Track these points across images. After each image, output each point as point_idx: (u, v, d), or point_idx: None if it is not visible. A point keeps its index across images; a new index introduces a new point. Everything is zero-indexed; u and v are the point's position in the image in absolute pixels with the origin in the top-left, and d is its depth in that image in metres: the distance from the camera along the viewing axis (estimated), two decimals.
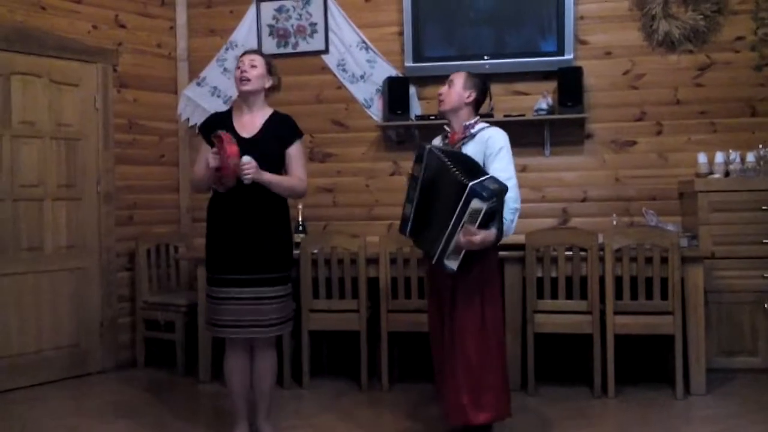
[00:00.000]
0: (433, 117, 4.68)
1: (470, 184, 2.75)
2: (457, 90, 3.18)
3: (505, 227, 2.96)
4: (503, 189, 2.85)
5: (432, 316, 3.26)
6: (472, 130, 3.18)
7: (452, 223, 2.84)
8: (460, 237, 2.85)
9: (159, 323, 4.83)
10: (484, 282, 3.08)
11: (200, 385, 4.43)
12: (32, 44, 4.46)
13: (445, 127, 3.30)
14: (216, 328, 3.18)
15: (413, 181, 3.07)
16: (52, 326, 4.56)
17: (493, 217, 2.85)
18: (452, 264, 2.91)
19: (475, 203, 2.77)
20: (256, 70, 3.20)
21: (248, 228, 3.13)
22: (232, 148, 2.98)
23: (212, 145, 3.09)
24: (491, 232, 2.87)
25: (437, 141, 3.31)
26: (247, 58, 3.24)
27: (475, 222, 2.81)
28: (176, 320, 4.71)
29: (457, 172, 2.83)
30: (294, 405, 3.97)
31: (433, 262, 2.95)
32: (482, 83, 3.25)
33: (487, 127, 3.21)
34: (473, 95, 3.20)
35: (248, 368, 3.26)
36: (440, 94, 3.22)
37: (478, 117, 3.25)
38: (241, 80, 3.19)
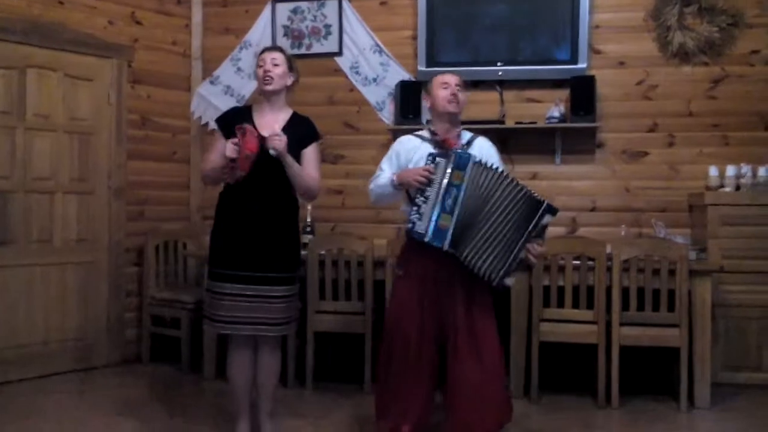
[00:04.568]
0: None
1: (545, 201, 2.86)
2: (466, 95, 3.11)
3: None
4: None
5: (412, 319, 3.00)
6: (464, 137, 3.12)
7: (523, 240, 2.85)
8: (527, 255, 2.88)
9: (165, 319, 4.86)
10: (489, 288, 3.09)
11: (204, 382, 4.45)
12: (48, 38, 4.49)
13: (429, 130, 3.14)
14: (218, 324, 3.15)
15: (451, 188, 2.85)
16: (60, 319, 4.59)
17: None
18: (510, 281, 2.90)
19: (546, 218, 2.86)
20: (278, 68, 3.18)
21: (260, 225, 3.13)
22: (252, 143, 3.02)
23: (230, 137, 3.10)
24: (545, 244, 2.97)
25: (417, 142, 3.12)
26: (268, 56, 3.19)
27: (541, 236, 2.89)
28: (182, 317, 4.72)
29: (526, 189, 2.87)
30: (297, 405, 3.98)
31: (495, 283, 2.87)
32: None
33: (475, 134, 3.16)
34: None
35: (251, 366, 3.25)
36: (455, 95, 3.01)
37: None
38: (265, 80, 3.16)
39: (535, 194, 2.87)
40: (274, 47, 3.38)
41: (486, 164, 2.89)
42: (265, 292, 3.12)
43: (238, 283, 3.11)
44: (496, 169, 2.91)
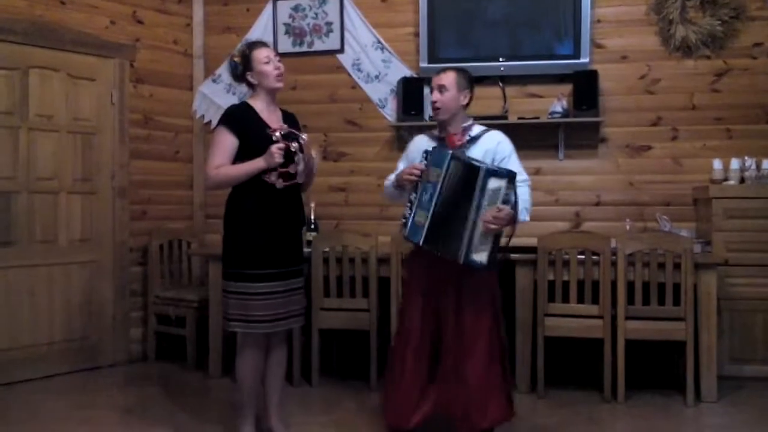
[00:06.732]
0: None
1: (483, 165, 2.80)
2: (453, 94, 3.04)
3: (520, 217, 2.92)
4: (513, 173, 2.86)
5: (414, 319, 3.06)
6: (472, 133, 3.09)
7: (472, 209, 2.78)
8: (484, 223, 2.78)
9: (170, 318, 4.86)
10: (493, 283, 3.07)
11: (210, 379, 4.45)
12: (50, 38, 4.49)
13: (436, 129, 3.18)
14: (255, 324, 3.11)
15: (427, 185, 2.91)
16: (65, 319, 4.59)
17: (509, 199, 2.83)
18: (481, 257, 2.81)
19: (493, 182, 2.79)
20: (282, 65, 3.24)
21: (286, 223, 3.19)
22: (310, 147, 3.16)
23: (241, 136, 3.11)
24: (509, 208, 2.82)
25: (424, 142, 3.15)
26: (272, 54, 3.22)
27: (496, 202, 2.80)
28: (187, 315, 4.73)
29: (471, 161, 2.84)
30: (303, 403, 3.98)
31: (461, 261, 2.81)
32: (472, 79, 3.13)
33: (487, 129, 3.12)
34: (468, 96, 3.10)
35: (262, 364, 3.27)
36: (435, 102, 3.04)
37: (472, 118, 3.19)
38: (278, 78, 3.20)
39: (477, 162, 2.85)
40: (266, 44, 3.36)
41: (464, 160, 2.87)
42: (291, 285, 3.21)
43: (273, 281, 3.14)
44: (471, 163, 2.86)
